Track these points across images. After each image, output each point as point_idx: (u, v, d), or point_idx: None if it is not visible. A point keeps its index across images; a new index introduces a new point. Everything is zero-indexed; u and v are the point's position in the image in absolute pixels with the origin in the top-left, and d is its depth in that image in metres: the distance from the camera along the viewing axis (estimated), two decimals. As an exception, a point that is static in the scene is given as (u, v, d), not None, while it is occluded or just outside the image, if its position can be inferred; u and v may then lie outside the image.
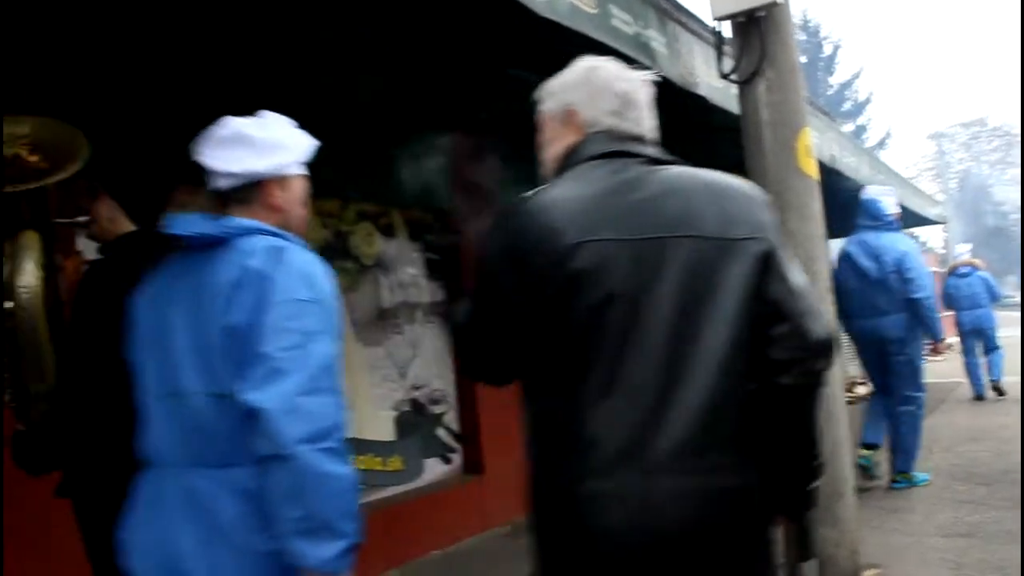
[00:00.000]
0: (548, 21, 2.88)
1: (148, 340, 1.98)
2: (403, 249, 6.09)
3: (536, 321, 1.68)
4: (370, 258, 5.79)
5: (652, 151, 1.84)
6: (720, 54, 4.08)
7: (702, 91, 4.26)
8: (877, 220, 6.19)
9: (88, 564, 2.52)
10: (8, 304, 2.26)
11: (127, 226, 2.56)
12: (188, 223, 1.97)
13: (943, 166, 66.65)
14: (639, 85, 1.90)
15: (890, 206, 6.29)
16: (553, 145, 1.92)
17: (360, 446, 5.46)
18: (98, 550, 2.40)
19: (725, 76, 4.04)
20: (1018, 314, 18.79)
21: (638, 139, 1.85)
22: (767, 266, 1.70)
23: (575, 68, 1.92)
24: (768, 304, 1.69)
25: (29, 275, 2.27)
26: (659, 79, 1.98)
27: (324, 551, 1.82)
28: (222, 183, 2.02)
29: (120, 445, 2.04)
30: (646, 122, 1.89)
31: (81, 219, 2.55)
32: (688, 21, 4.34)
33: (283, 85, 4.58)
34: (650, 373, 1.63)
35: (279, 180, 2.09)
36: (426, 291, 6.22)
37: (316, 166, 5.08)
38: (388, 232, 5.98)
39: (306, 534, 1.81)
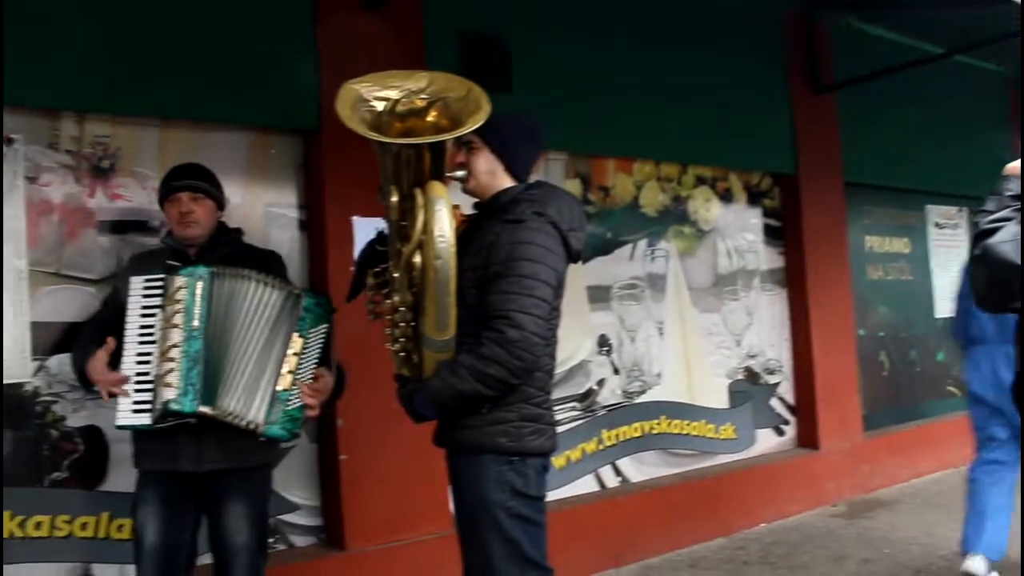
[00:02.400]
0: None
1: None
2: (741, 214, 5.94)
3: None
4: (708, 223, 5.70)
5: None
6: None
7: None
8: None
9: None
10: (416, 258, 2.33)
11: (505, 182, 2.58)
12: None
13: None
14: None
15: None
16: None
17: (693, 412, 5.46)
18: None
19: None
20: None
21: None
22: None
23: None
24: None
25: (445, 224, 2.29)
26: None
27: None
28: None
29: None
30: None
31: (459, 173, 2.58)
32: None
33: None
34: None
35: None
36: (764, 257, 6.03)
37: (652, 131, 5.18)
38: (726, 197, 5.85)
39: None
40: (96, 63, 3.42)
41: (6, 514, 3.21)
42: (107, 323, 2.92)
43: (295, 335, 2.81)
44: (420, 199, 2.32)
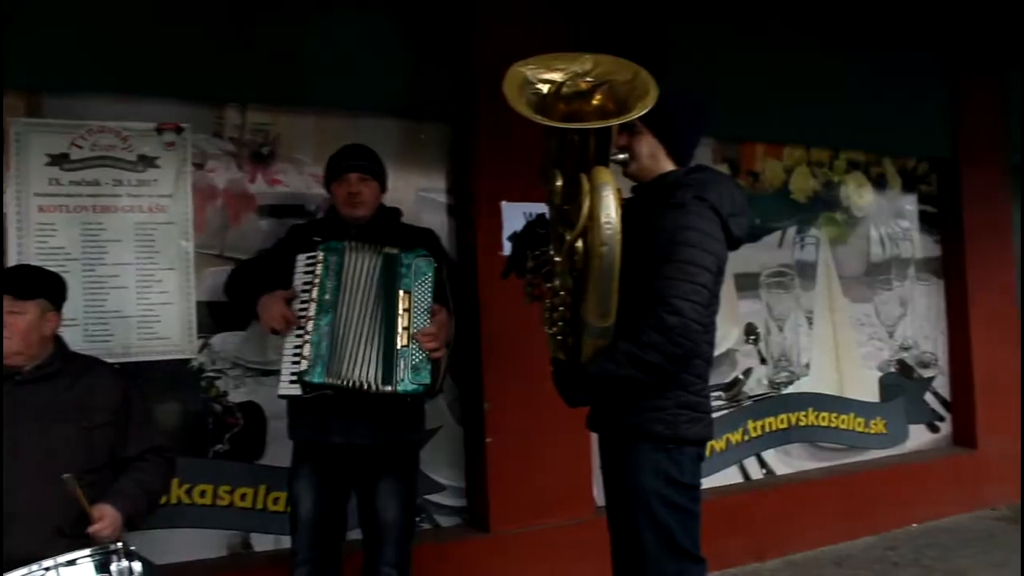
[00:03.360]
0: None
1: None
2: (895, 200, 5.68)
3: None
4: (860, 209, 5.48)
5: None
6: None
7: None
8: None
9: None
10: (580, 244, 2.29)
11: (667, 165, 2.53)
12: None
13: None
14: None
15: None
16: None
17: (842, 405, 5.28)
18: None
19: None
20: None
21: None
22: None
23: None
24: None
25: (611, 210, 2.25)
26: None
27: None
28: None
29: None
30: None
31: (620, 156, 2.54)
32: None
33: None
34: None
35: None
36: (919, 246, 5.76)
37: (803, 115, 5.01)
38: (880, 182, 5.61)
39: None
40: (258, 58, 3.57)
41: (175, 480, 3.38)
42: (259, 269, 3.12)
43: (401, 292, 2.88)
44: (585, 184, 2.28)
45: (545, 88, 2.38)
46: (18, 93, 3.32)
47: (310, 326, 2.82)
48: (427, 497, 3.94)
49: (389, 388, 2.81)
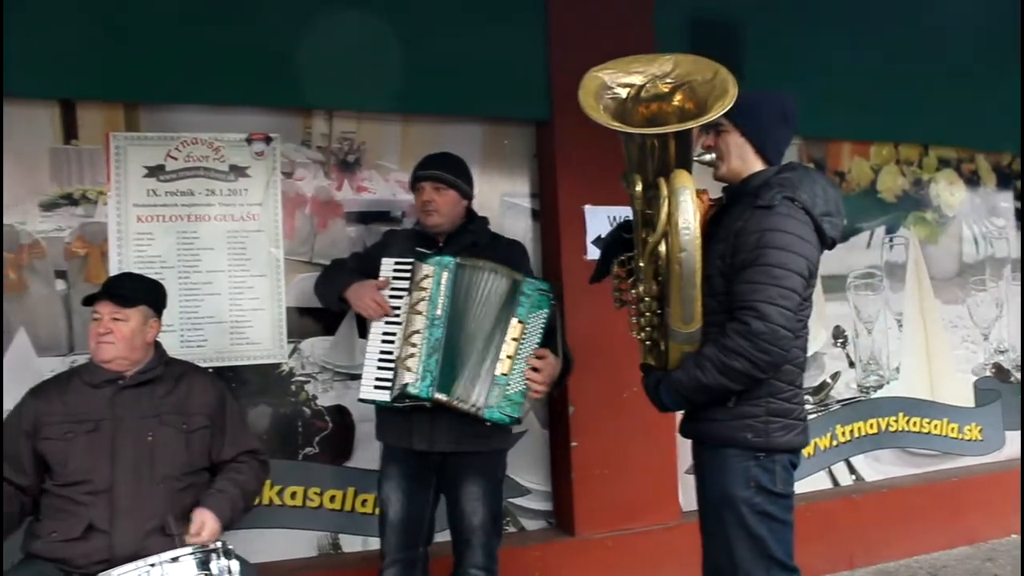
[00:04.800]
0: None
1: None
2: (989, 198, 5.50)
3: None
4: (952, 208, 5.32)
5: None
6: None
7: None
8: None
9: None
10: (661, 248, 2.28)
11: (756, 165, 2.48)
12: None
13: None
14: None
15: None
16: None
17: (934, 410, 5.13)
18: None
19: None
20: None
21: None
22: None
23: None
24: None
25: (689, 215, 2.24)
26: None
27: None
28: None
29: None
30: None
31: (707, 157, 2.51)
32: None
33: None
34: None
35: None
36: (1015, 245, 5.56)
37: (895, 110, 4.87)
38: (972, 180, 5.44)
39: None
40: (344, 65, 3.62)
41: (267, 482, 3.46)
42: (349, 269, 3.14)
43: (514, 320, 2.85)
44: (664, 189, 2.27)
45: (624, 92, 2.37)
46: (117, 108, 3.46)
47: (417, 338, 2.83)
48: (512, 501, 3.95)
49: (482, 411, 2.83)
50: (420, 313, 2.85)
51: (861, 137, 4.97)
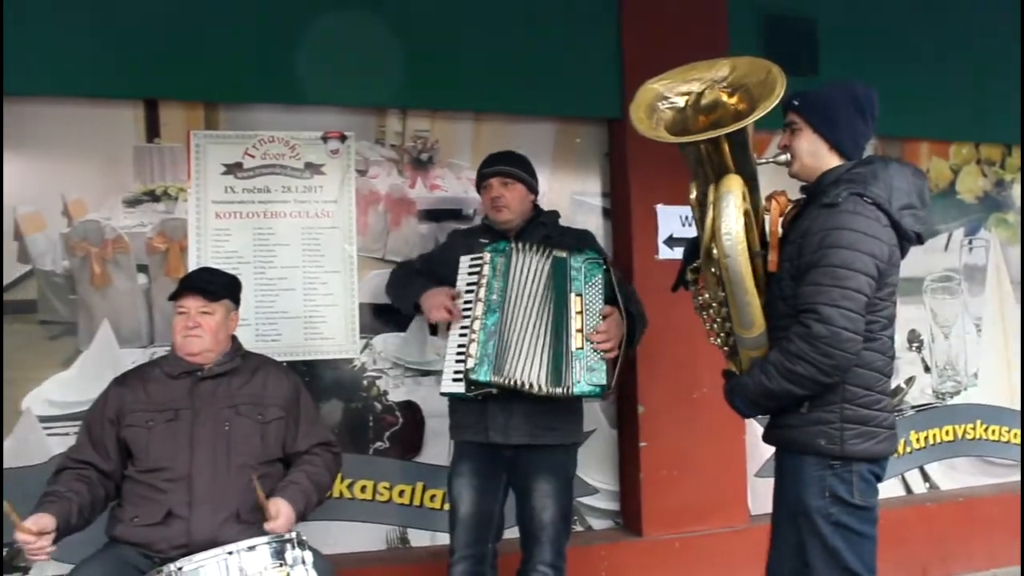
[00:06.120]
0: None
1: None
2: (1076, 199, 5.32)
3: None
4: (1036, 210, 5.17)
5: None
6: None
7: None
8: None
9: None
10: (714, 253, 2.26)
11: (831, 161, 2.41)
12: None
13: None
14: None
15: None
16: None
17: (1014, 418, 4.96)
18: None
19: None
20: None
21: None
22: None
23: None
24: None
25: (731, 220, 2.20)
26: None
27: None
28: None
29: None
30: None
31: (781, 157, 2.47)
32: None
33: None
34: None
35: None
36: (1102, 249, 5.37)
37: (976, 108, 4.72)
38: (1057, 181, 5.27)
39: None
40: (418, 65, 3.66)
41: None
42: (420, 269, 3.23)
43: (572, 295, 2.90)
44: (711, 195, 2.25)
45: (683, 101, 2.34)
46: (197, 108, 3.56)
47: (476, 325, 2.88)
48: (580, 500, 3.95)
49: (560, 390, 2.83)
50: (480, 300, 2.92)
51: (941, 136, 4.85)
